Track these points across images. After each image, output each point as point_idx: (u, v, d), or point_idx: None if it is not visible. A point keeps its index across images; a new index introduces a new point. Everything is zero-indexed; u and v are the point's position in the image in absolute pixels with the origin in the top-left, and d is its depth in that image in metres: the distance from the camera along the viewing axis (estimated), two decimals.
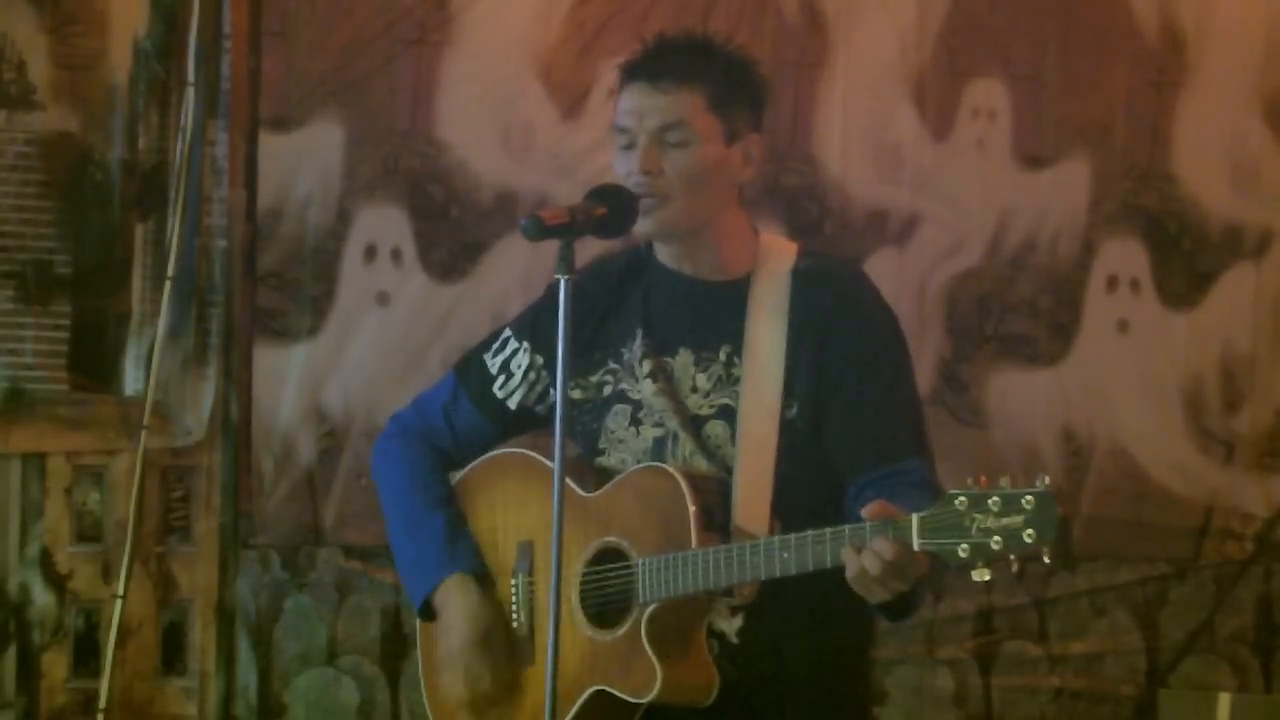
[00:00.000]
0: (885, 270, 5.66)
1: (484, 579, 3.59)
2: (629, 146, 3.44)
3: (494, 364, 3.67)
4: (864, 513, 3.14)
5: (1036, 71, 5.77)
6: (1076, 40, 5.77)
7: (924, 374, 5.69)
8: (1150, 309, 5.82)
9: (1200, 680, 5.80)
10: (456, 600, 3.57)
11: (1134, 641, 5.83)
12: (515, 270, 5.50)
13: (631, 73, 3.47)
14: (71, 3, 5.52)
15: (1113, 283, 5.82)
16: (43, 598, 5.56)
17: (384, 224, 5.65)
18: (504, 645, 3.56)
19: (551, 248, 3.27)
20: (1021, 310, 5.79)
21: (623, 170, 3.44)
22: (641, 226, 3.44)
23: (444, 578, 3.58)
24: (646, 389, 3.49)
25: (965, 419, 5.76)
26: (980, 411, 5.77)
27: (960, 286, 5.77)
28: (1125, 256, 5.81)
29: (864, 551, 3.11)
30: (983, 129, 5.77)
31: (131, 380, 5.58)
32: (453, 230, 5.66)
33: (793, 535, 3.21)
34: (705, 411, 3.46)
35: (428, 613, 3.64)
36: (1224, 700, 5.43)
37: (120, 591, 5.47)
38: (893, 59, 5.72)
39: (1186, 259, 5.82)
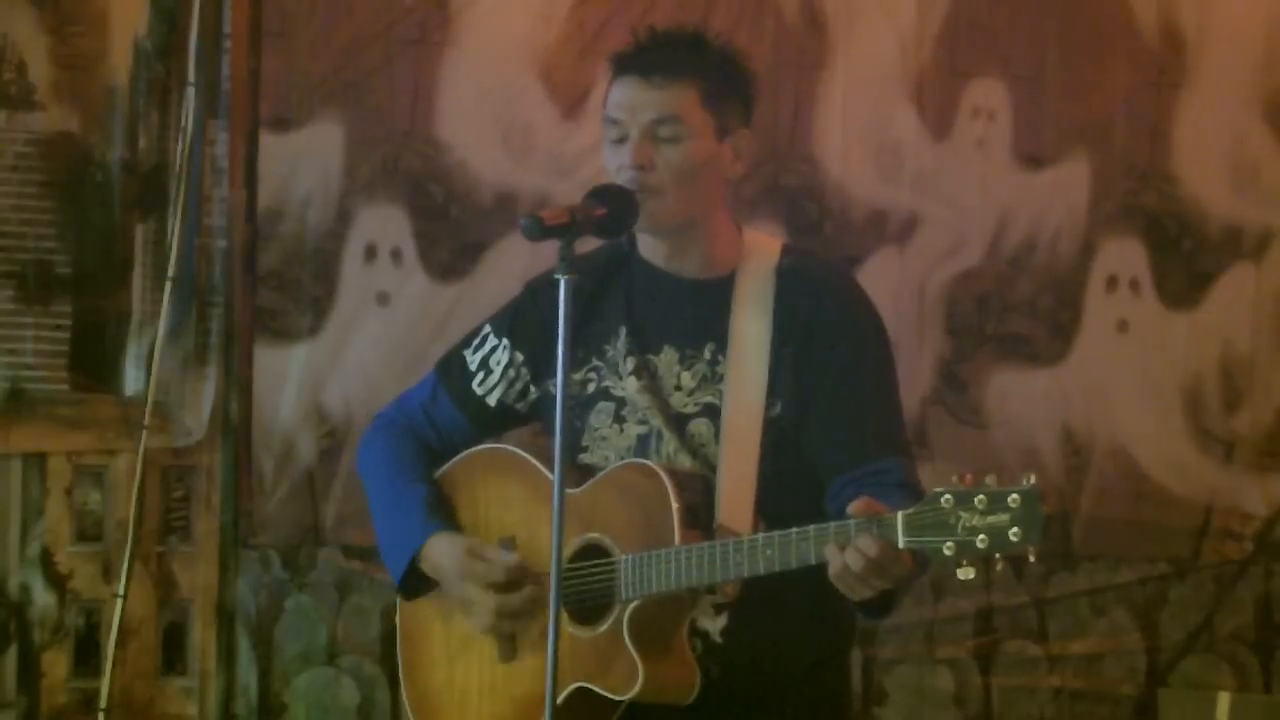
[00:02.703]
0: (885, 270, 5.66)
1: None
2: (620, 140, 3.44)
3: (473, 360, 3.66)
4: (850, 509, 3.13)
5: (1036, 71, 5.77)
6: (1076, 40, 5.77)
7: (924, 374, 5.69)
8: (1150, 309, 5.81)
9: (1200, 680, 5.79)
10: (442, 547, 3.54)
11: (1134, 641, 5.83)
12: (515, 270, 5.48)
13: (623, 65, 3.47)
14: (71, 3, 5.52)
15: (1112, 283, 5.81)
16: (43, 597, 5.56)
17: (384, 224, 5.65)
18: (498, 554, 3.50)
19: (551, 248, 3.27)
20: (1021, 310, 5.79)
21: (613, 164, 3.44)
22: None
23: (427, 537, 3.55)
24: (630, 386, 3.49)
25: (965, 419, 5.76)
26: (980, 411, 5.77)
27: (960, 286, 5.76)
28: (1125, 256, 5.81)
29: (848, 549, 3.11)
30: (983, 129, 5.76)
31: (132, 380, 5.58)
32: (453, 230, 5.66)
33: (776, 533, 3.20)
34: (689, 410, 3.46)
35: (411, 581, 3.61)
36: (1224, 700, 5.42)
37: (121, 591, 5.47)
38: (893, 59, 5.72)
39: (1186, 259, 5.82)
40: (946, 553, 3.01)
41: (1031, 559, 2.99)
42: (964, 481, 3.02)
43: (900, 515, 3.07)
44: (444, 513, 3.60)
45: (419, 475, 3.66)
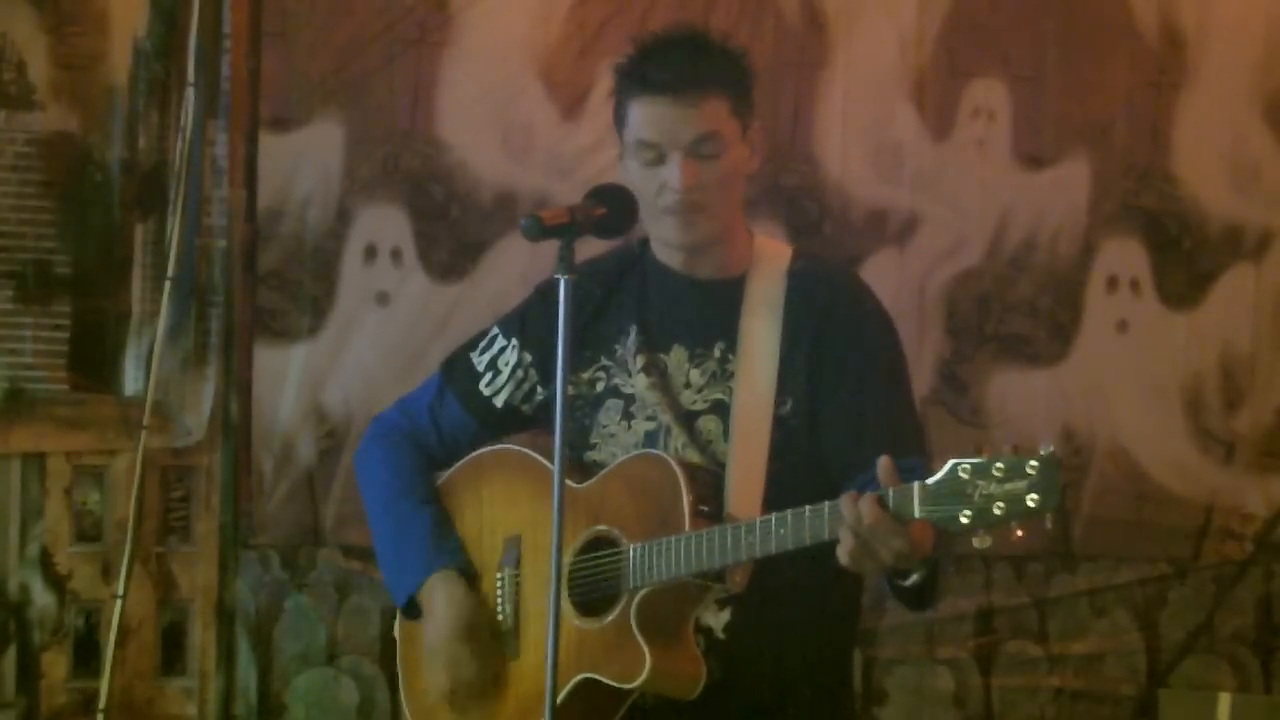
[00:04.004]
0: (885, 270, 5.66)
1: (469, 575, 3.58)
2: (655, 163, 3.41)
3: (481, 361, 3.66)
4: (879, 464, 3.10)
5: (1036, 71, 5.77)
6: (1076, 40, 5.77)
7: (924, 374, 5.68)
8: (1150, 309, 5.81)
9: (1200, 680, 5.79)
10: (441, 594, 3.55)
11: (1134, 641, 5.83)
12: (515, 270, 5.50)
13: (643, 82, 3.42)
14: (71, 3, 5.52)
15: (1113, 283, 5.81)
16: (43, 598, 5.56)
17: (384, 224, 5.65)
18: (488, 637, 3.53)
19: (551, 248, 3.27)
20: (1021, 310, 5.79)
21: (650, 186, 3.40)
22: (683, 237, 3.42)
23: (429, 574, 3.56)
24: (640, 383, 3.49)
25: (965, 419, 5.76)
26: (980, 411, 5.77)
27: (960, 286, 5.76)
28: (1125, 256, 5.81)
29: (861, 500, 3.08)
30: (983, 129, 5.76)
31: (131, 380, 5.58)
32: (453, 230, 5.66)
33: (789, 511, 3.19)
34: (698, 407, 3.46)
35: (412, 610, 3.62)
36: (1224, 700, 5.42)
37: (120, 591, 5.47)
38: (893, 59, 5.72)
39: (1186, 259, 5.82)
40: (963, 521, 2.99)
41: (1049, 525, 2.97)
42: (981, 453, 3.01)
43: (916, 485, 3.05)
44: (449, 539, 3.60)
45: (422, 496, 3.66)
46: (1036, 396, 5.78)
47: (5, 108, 5.49)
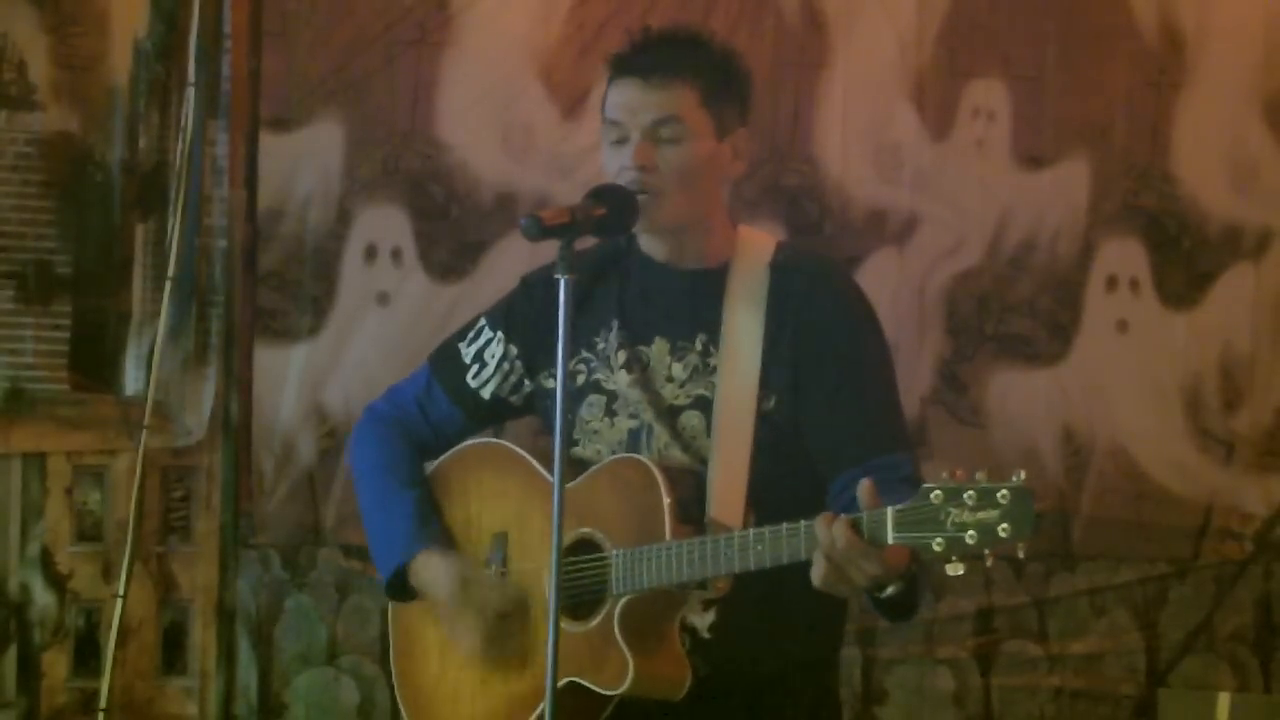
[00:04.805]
0: (885, 270, 5.66)
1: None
2: (620, 141, 3.44)
3: (468, 353, 3.67)
4: (859, 489, 3.10)
5: (1036, 71, 5.77)
6: (1076, 40, 5.77)
7: (924, 374, 5.69)
8: (1150, 309, 5.82)
9: (1200, 680, 5.80)
10: (435, 564, 3.54)
11: (1134, 641, 5.83)
12: (515, 270, 5.43)
13: (621, 67, 3.46)
14: (72, 3, 5.52)
15: (1112, 283, 5.81)
16: (43, 597, 5.56)
17: (384, 224, 5.65)
18: (491, 582, 3.52)
19: (550, 248, 3.27)
20: (1021, 310, 5.79)
21: (614, 166, 3.44)
22: (640, 220, 3.43)
23: (415, 553, 3.56)
24: (621, 380, 3.49)
25: (965, 419, 5.76)
26: (980, 411, 5.77)
27: (960, 286, 5.77)
28: (1125, 256, 5.81)
29: (835, 524, 3.09)
30: (983, 129, 5.76)
31: (132, 380, 5.58)
32: (453, 230, 5.67)
33: (767, 528, 3.19)
34: (681, 401, 3.45)
35: (397, 587, 3.61)
36: (1224, 700, 5.42)
37: (121, 591, 5.47)
38: (893, 59, 5.72)
39: (1186, 259, 5.82)
40: (936, 549, 2.98)
41: (1021, 555, 2.96)
42: (954, 477, 3.00)
43: (890, 511, 3.05)
44: (433, 523, 3.60)
45: (410, 478, 3.66)
46: (1036, 396, 5.79)
47: (6, 108, 5.50)
